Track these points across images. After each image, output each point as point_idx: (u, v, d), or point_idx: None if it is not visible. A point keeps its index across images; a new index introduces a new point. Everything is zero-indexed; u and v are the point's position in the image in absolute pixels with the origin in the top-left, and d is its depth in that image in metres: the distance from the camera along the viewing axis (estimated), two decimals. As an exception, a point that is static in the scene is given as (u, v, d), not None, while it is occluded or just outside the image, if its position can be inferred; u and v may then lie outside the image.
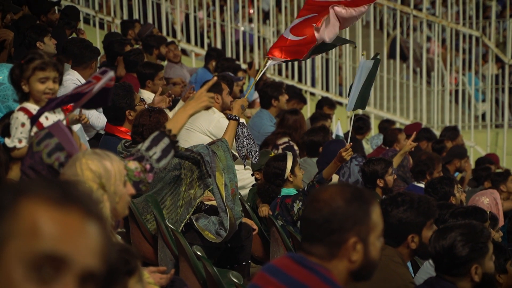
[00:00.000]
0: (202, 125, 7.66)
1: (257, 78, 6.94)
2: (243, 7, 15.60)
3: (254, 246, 6.72)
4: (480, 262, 3.84)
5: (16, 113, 4.55)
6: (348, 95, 7.28)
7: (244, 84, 11.77)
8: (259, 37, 15.14)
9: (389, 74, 15.27)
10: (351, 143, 6.79)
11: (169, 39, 13.22)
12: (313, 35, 6.66)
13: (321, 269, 2.62)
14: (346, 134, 7.27)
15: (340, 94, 15.04)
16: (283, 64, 14.94)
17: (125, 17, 13.91)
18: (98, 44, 11.33)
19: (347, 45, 14.71)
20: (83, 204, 1.55)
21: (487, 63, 16.33)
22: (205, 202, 6.36)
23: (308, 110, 12.97)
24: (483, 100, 16.45)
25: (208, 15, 15.07)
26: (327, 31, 6.71)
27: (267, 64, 6.88)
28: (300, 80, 14.74)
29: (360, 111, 13.85)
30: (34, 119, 4.16)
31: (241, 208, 6.25)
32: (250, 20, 15.98)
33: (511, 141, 15.07)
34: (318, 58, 14.70)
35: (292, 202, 6.56)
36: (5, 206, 1.51)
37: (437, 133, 13.01)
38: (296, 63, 14.96)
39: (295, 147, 8.81)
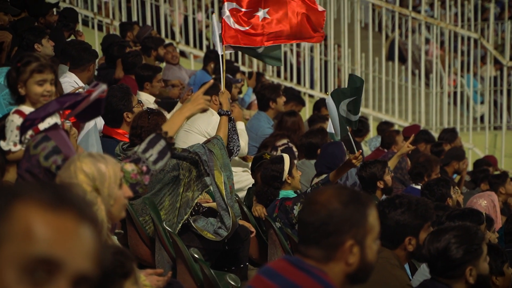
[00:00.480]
0: (201, 127, 7.67)
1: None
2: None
3: (252, 248, 6.72)
4: (475, 264, 3.84)
5: (11, 116, 4.53)
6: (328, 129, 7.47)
7: (242, 86, 11.78)
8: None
9: (387, 76, 15.27)
10: (361, 151, 6.80)
11: (168, 41, 13.22)
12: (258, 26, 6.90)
13: (318, 272, 2.62)
14: (348, 142, 7.27)
15: (339, 96, 15.02)
16: (282, 66, 14.96)
17: (124, 19, 13.90)
18: (97, 46, 11.33)
19: (346, 46, 14.74)
20: (76, 207, 1.54)
21: (485, 65, 16.33)
22: (203, 205, 6.35)
23: (306, 112, 12.97)
24: (482, 102, 16.46)
25: (207, 17, 15.07)
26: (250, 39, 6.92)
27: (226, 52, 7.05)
28: (298, 82, 14.75)
29: (359, 114, 13.87)
30: (23, 129, 4.07)
31: (239, 210, 6.26)
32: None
33: (509, 143, 15.08)
34: (317, 60, 14.71)
35: (292, 204, 6.53)
36: (-2, 209, 1.51)
37: (436, 135, 13.01)
38: (295, 65, 14.98)
39: (294, 149, 8.81)
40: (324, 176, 7.25)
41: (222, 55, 6.96)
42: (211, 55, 11.90)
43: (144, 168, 4.01)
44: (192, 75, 12.01)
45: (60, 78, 6.99)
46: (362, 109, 14.69)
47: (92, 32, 13.14)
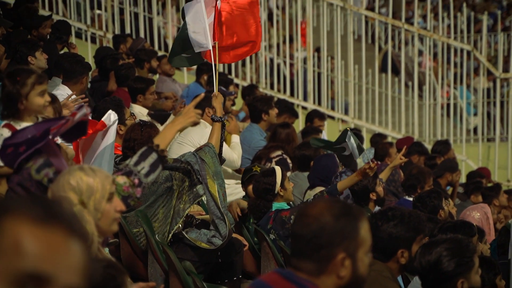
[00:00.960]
0: (194, 139, 7.66)
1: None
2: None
3: (245, 261, 6.70)
4: (466, 277, 3.83)
5: (0, 129, 4.52)
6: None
7: (236, 98, 11.76)
8: (251, 51, 15.12)
9: (380, 88, 15.29)
10: (376, 162, 6.80)
11: (161, 53, 13.22)
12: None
13: (309, 285, 2.62)
14: (361, 149, 7.34)
15: (333, 108, 15.06)
16: (275, 78, 14.98)
17: (117, 31, 13.91)
18: (90, 59, 11.32)
19: (339, 58, 14.77)
20: (65, 222, 1.54)
21: (478, 77, 16.37)
22: (196, 217, 6.34)
23: (299, 124, 12.97)
24: (475, 114, 16.49)
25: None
26: None
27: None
28: (292, 94, 14.76)
29: (351, 125, 13.89)
30: (9, 158, 4.01)
31: (232, 218, 6.24)
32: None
33: (502, 155, 15.10)
34: (310, 72, 14.73)
35: (290, 215, 6.50)
36: (-13, 224, 1.51)
37: (429, 147, 13.02)
38: (288, 77, 14.99)
39: (288, 160, 8.81)
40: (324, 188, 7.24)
41: (214, 64, 6.87)
42: (204, 67, 11.89)
43: (136, 181, 4.01)
44: (186, 87, 12.01)
45: (53, 91, 6.98)
46: (356, 121, 14.74)
47: (85, 45, 13.14)
